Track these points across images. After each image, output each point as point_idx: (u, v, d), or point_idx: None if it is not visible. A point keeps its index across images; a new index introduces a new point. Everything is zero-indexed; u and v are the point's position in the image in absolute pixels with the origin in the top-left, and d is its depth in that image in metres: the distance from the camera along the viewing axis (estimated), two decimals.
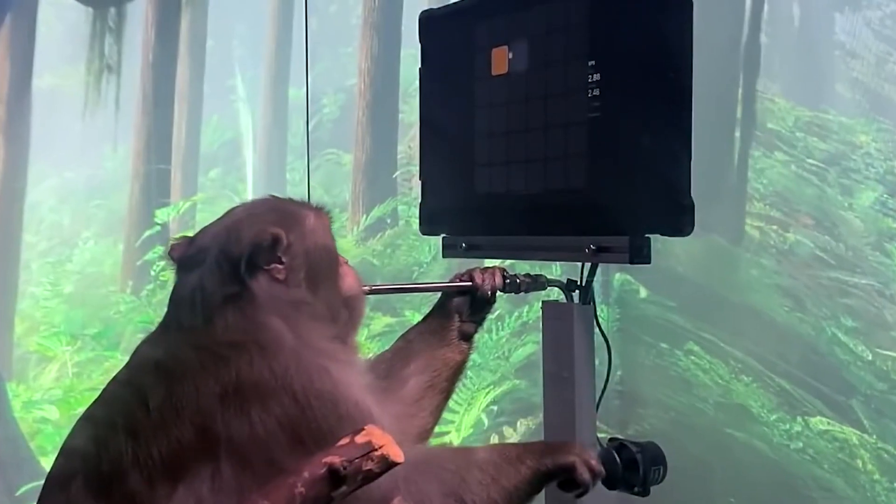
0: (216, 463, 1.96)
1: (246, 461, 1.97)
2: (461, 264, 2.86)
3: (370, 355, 2.69)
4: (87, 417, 2.14)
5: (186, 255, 2.25)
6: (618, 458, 2.61)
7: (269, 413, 2.00)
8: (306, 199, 2.43)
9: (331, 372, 2.13)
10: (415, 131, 4.10)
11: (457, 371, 2.70)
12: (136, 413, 2.01)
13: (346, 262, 2.46)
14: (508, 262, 3.30)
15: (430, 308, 2.77)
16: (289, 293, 2.21)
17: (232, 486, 1.96)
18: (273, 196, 2.42)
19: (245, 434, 1.98)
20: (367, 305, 2.53)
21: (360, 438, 1.89)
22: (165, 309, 2.25)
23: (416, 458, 2.12)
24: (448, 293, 2.72)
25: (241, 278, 2.16)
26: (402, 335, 2.75)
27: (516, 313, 5.70)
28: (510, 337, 5.76)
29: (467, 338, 2.71)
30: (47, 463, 3.11)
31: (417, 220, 3.15)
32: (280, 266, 2.20)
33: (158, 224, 7.29)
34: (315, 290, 2.27)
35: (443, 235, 3.07)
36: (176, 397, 2.00)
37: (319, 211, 2.38)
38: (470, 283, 2.67)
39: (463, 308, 2.70)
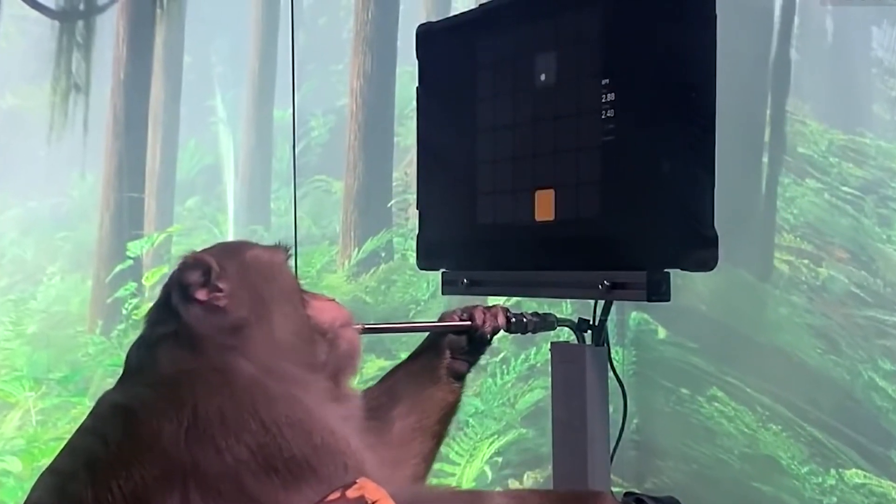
0: (186, 498, 1.97)
1: (216, 493, 1.97)
2: (462, 302, 2.85)
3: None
4: (51, 470, 2.15)
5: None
6: None
7: (231, 437, 2.01)
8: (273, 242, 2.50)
9: (298, 398, 2.15)
10: (412, 156, 4.11)
11: (448, 412, 2.70)
12: (101, 456, 2.03)
13: (333, 300, 2.47)
14: (514, 299, 3.29)
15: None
16: (235, 320, 2.25)
17: None
18: (225, 241, 2.54)
19: (213, 464, 1.99)
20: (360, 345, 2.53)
21: (351, 493, 1.88)
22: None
23: (408, 499, 2.12)
24: None
25: (178, 311, 2.24)
26: (388, 373, 2.76)
27: (523, 356, 5.69)
28: (516, 381, 5.76)
29: (458, 377, 2.71)
30: None
31: (414, 254, 3.15)
32: (219, 294, 2.26)
33: (131, 258, 7.28)
34: (270, 320, 2.30)
35: (442, 271, 3.07)
36: (137, 434, 2.02)
37: (274, 247, 2.45)
38: (469, 323, 2.67)
39: (456, 346, 2.69)
